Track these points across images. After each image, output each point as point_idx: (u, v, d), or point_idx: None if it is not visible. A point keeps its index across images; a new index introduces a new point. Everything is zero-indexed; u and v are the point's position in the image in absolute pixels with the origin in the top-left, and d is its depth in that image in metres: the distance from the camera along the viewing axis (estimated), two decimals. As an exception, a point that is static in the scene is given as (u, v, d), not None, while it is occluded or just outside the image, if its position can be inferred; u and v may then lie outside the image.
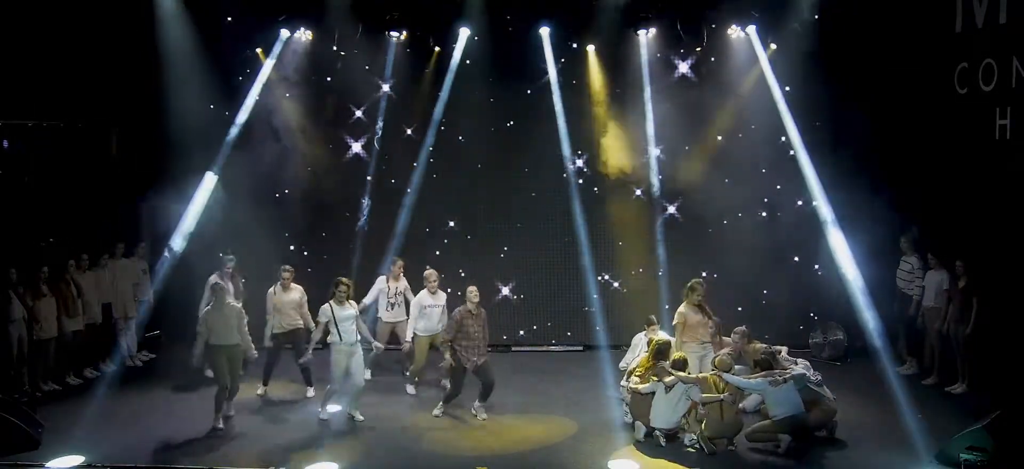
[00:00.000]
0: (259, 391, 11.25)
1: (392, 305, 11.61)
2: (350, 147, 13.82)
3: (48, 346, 11.40)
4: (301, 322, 11.19)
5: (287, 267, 11.42)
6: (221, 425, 10.03)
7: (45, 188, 12.64)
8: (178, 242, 12.99)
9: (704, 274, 12.56)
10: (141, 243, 13.20)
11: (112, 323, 12.53)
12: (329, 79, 13.71)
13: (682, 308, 10.37)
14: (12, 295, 10.94)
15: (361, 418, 10.33)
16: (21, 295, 11.06)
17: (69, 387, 11.69)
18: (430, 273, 11.16)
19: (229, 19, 13.37)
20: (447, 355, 10.32)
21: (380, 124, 13.73)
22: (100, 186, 13.25)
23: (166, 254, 12.97)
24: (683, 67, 13.47)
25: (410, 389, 11.43)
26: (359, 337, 10.24)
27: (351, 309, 10.21)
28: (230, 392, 10.21)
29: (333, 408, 10.57)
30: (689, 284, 10.43)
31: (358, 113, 13.78)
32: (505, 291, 13.69)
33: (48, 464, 8.71)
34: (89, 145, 13.32)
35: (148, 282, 13.07)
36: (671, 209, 13.60)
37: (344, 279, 10.35)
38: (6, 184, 12.32)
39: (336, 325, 10.07)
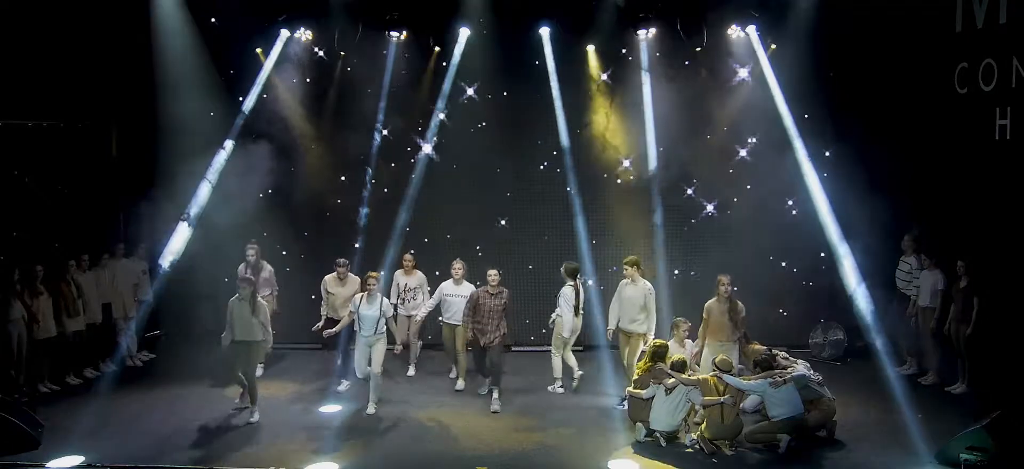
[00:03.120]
0: (340, 387, 11.38)
1: (403, 300, 11.95)
2: (420, 148, 13.79)
3: (46, 346, 11.39)
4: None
5: (342, 260, 11.70)
6: (237, 402, 10.42)
7: (45, 188, 12.63)
8: (193, 211, 13.07)
9: (693, 272, 13.08)
10: (141, 243, 13.19)
11: (112, 323, 12.54)
12: (407, 83, 13.70)
13: (709, 302, 10.77)
14: (12, 295, 10.94)
15: (371, 411, 10.45)
16: (20, 294, 11.06)
17: (69, 387, 11.68)
18: (457, 263, 11.50)
19: (214, 21, 13.34)
20: (467, 333, 11.08)
21: (444, 114, 13.71)
22: (100, 186, 13.25)
23: (186, 219, 13.03)
24: (682, 67, 13.46)
25: (459, 384, 11.58)
26: (381, 330, 10.52)
27: (375, 306, 10.45)
28: (249, 393, 10.34)
29: (332, 409, 10.58)
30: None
31: (441, 116, 13.74)
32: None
33: (48, 464, 8.71)
34: (89, 145, 13.32)
35: (148, 282, 13.07)
36: (709, 208, 13.65)
37: (373, 273, 10.73)
38: (6, 184, 12.31)
39: (358, 317, 10.47)
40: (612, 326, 11.19)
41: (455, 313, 11.39)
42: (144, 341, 13.32)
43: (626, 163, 13.65)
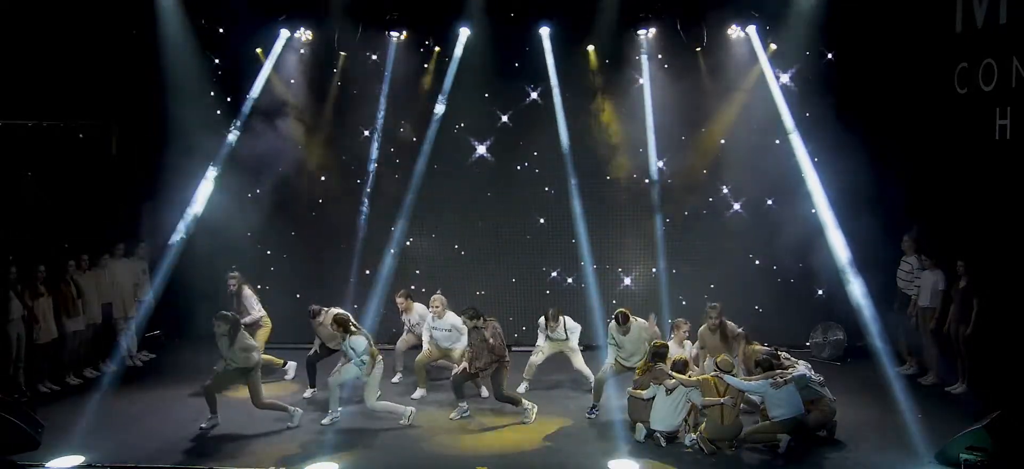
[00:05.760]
0: (306, 394, 11.28)
1: (411, 330, 11.85)
2: (475, 149, 13.80)
3: (47, 346, 11.39)
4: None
5: (313, 307, 11.40)
6: (205, 425, 10.07)
7: (45, 188, 12.63)
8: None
9: (674, 270, 13.18)
10: (141, 243, 13.20)
11: (112, 323, 12.54)
12: (485, 90, 13.63)
13: (701, 329, 10.72)
14: (12, 294, 10.94)
15: (406, 419, 10.24)
16: (20, 294, 11.06)
17: (69, 387, 11.69)
18: (436, 298, 11.24)
19: (203, 22, 13.34)
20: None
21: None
22: (100, 186, 13.25)
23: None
24: (681, 67, 13.46)
25: (395, 379, 11.60)
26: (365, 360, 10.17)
27: (359, 339, 10.13)
28: (271, 408, 10.23)
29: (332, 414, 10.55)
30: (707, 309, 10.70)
31: (504, 118, 13.75)
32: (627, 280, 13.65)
33: (48, 464, 8.70)
34: (89, 145, 13.31)
35: (148, 282, 13.08)
36: (736, 206, 13.62)
37: (342, 316, 10.28)
38: (6, 184, 12.31)
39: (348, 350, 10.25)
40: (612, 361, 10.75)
41: (440, 341, 11.21)
42: (144, 341, 13.32)
43: (628, 164, 13.64)
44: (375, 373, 10.17)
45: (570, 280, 13.71)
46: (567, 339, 11.31)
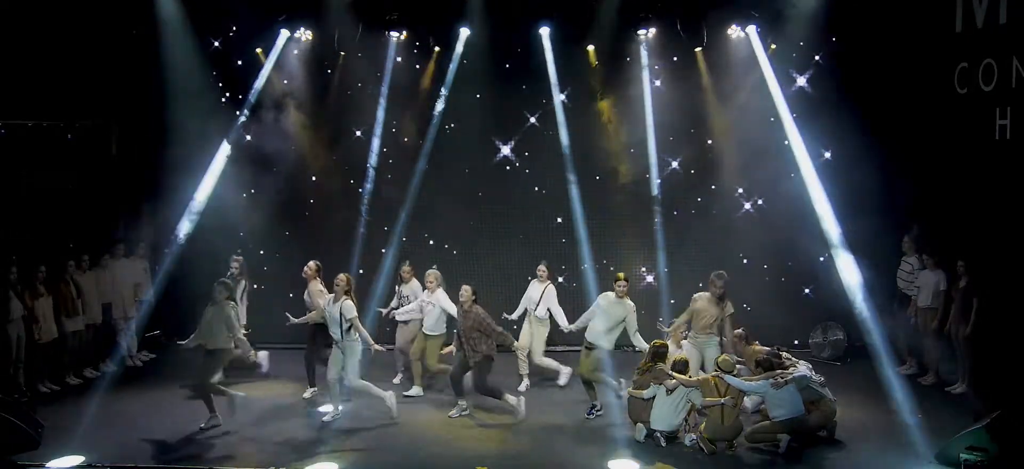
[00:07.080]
0: (306, 393, 11.23)
1: (400, 305, 11.71)
2: (499, 150, 13.80)
3: (47, 346, 11.39)
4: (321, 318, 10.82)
5: (310, 263, 11.50)
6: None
7: (45, 188, 12.63)
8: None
9: (665, 269, 13.09)
10: (142, 243, 13.20)
11: (112, 323, 12.53)
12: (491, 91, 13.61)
13: (698, 294, 10.62)
14: (11, 294, 10.94)
15: (394, 417, 10.25)
16: (20, 294, 11.06)
17: (69, 387, 11.69)
18: (429, 272, 11.20)
19: (209, 43, 13.40)
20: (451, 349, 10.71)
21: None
22: (100, 186, 13.25)
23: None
24: (681, 67, 13.46)
25: (416, 390, 11.33)
26: (347, 337, 10.06)
27: (337, 308, 10.02)
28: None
29: (324, 409, 10.53)
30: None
31: (532, 120, 13.74)
32: (649, 279, 13.66)
33: (48, 464, 8.71)
34: (89, 145, 13.31)
35: (148, 282, 13.08)
36: (747, 206, 13.61)
37: (343, 275, 10.25)
38: (7, 184, 12.31)
39: (327, 319, 10.18)
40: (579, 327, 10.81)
41: (429, 321, 11.07)
42: (144, 341, 13.32)
43: (628, 164, 13.64)
44: (357, 349, 10.12)
45: (561, 279, 13.68)
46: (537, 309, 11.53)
